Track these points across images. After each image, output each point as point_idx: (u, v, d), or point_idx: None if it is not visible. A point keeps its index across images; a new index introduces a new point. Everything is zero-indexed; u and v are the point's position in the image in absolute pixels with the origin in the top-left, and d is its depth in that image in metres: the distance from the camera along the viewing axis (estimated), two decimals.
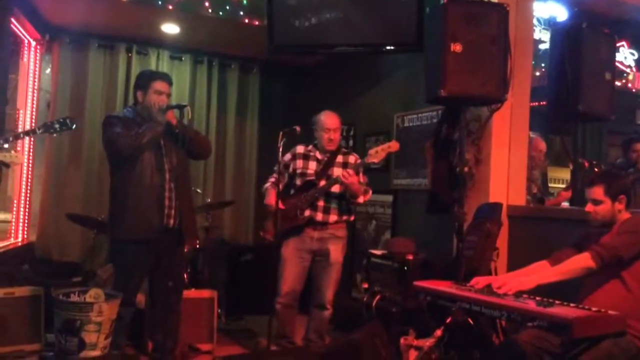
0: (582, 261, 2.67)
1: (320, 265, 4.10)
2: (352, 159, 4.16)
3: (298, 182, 4.15)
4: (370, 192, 4.14)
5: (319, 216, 4.05)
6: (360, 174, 4.08)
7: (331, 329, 4.79)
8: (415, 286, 3.03)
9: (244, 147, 6.45)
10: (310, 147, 4.19)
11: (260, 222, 4.32)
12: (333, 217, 4.07)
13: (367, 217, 5.45)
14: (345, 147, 5.31)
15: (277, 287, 4.06)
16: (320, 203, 4.04)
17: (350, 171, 3.90)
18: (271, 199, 4.07)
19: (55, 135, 3.61)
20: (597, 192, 2.81)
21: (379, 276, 4.34)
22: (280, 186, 4.12)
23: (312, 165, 4.13)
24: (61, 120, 3.53)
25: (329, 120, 4.11)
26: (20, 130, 5.33)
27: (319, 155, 4.14)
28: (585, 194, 2.91)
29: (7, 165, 3.33)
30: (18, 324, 4.03)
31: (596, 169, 4.41)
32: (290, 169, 4.20)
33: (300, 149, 4.21)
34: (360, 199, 4.06)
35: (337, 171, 4.06)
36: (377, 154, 3.92)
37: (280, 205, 4.04)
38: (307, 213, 4.02)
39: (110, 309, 2.94)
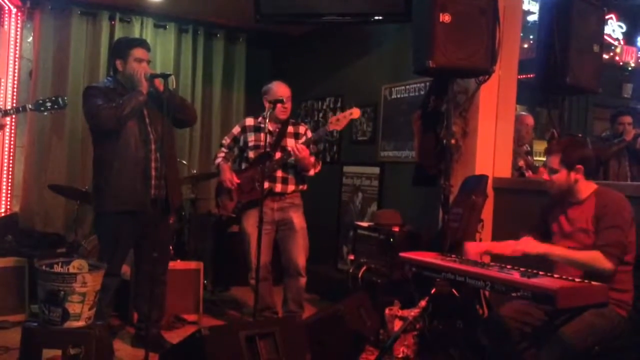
0: (599, 261, 2.56)
1: (286, 235, 4.10)
2: (302, 129, 4.17)
3: (251, 154, 4.10)
4: (320, 163, 4.16)
5: (278, 187, 4.04)
6: (312, 145, 4.08)
7: (317, 300, 4.83)
8: (400, 257, 3.04)
9: (230, 118, 6.38)
10: (260, 118, 4.10)
11: (216, 199, 4.30)
12: (291, 187, 4.08)
13: (354, 189, 5.45)
14: (318, 117, 5.29)
15: (247, 263, 4.07)
16: (278, 174, 4.03)
17: (302, 146, 3.90)
18: (227, 174, 4.08)
19: (46, 113, 3.58)
20: (554, 161, 2.77)
21: (365, 248, 4.36)
22: (230, 160, 4.17)
23: (265, 137, 4.09)
24: (53, 98, 3.50)
25: (281, 89, 4.07)
26: (6, 104, 5.26)
27: (270, 127, 4.05)
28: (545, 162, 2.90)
29: None
30: (2, 295, 4.02)
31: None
32: (241, 142, 4.16)
33: (249, 121, 4.16)
34: (311, 172, 4.07)
35: (289, 142, 4.06)
36: (338, 121, 3.92)
37: (236, 179, 4.05)
38: (265, 185, 3.98)
39: (94, 279, 2.92)
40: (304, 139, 4.09)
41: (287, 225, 4.08)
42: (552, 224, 2.89)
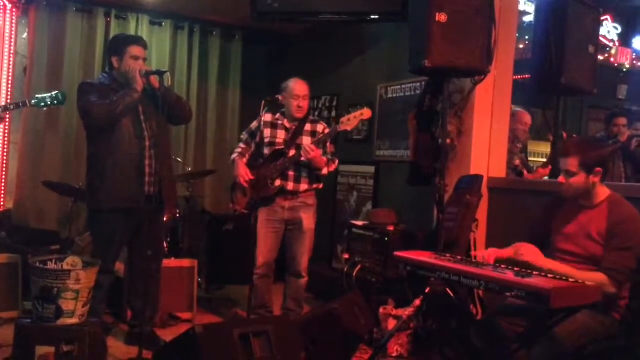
0: (604, 286, 2.47)
1: (294, 234, 4.09)
2: (320, 127, 4.13)
3: (266, 151, 4.09)
4: (337, 162, 4.13)
5: (290, 185, 4.02)
6: (328, 144, 4.06)
7: (312, 299, 4.83)
8: (395, 257, 3.04)
9: (225, 116, 6.38)
10: (277, 115, 4.11)
11: (231, 194, 4.28)
12: (304, 186, 4.05)
13: (349, 188, 5.45)
14: (313, 115, 5.26)
15: (253, 259, 4.06)
16: (291, 172, 4.01)
17: (312, 146, 3.88)
18: (241, 170, 4.06)
19: (45, 109, 3.56)
20: (572, 163, 2.63)
21: (360, 247, 4.37)
22: (247, 155, 4.14)
23: (281, 134, 4.08)
24: (52, 94, 3.48)
25: (298, 87, 4.06)
26: (0, 100, 5.25)
27: (287, 124, 4.09)
28: (560, 164, 2.74)
29: None
30: None
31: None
32: (258, 138, 4.15)
33: (267, 117, 4.14)
34: (324, 171, 4.04)
35: (305, 140, 4.04)
36: (349, 121, 3.91)
37: (250, 176, 4.04)
38: (277, 183, 3.99)
39: (88, 276, 2.90)
40: (320, 137, 4.06)
41: (296, 226, 4.08)
42: (555, 223, 2.81)
